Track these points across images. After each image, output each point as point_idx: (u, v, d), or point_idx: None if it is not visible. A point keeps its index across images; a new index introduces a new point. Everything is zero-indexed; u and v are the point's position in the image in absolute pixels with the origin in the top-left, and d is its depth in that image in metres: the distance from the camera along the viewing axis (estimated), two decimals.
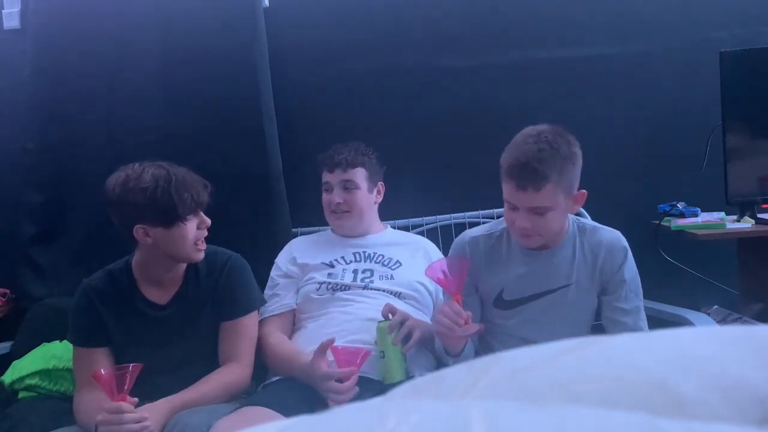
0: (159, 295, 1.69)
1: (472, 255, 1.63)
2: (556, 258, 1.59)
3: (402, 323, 1.68)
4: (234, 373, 1.64)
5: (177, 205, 1.57)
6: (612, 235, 1.61)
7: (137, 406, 1.45)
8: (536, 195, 1.42)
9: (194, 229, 1.63)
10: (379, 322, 1.68)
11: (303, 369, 1.64)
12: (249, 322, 1.72)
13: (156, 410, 1.47)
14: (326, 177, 1.95)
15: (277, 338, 1.80)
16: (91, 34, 2.28)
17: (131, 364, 1.42)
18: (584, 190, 1.52)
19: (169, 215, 1.58)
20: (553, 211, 1.46)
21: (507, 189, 1.47)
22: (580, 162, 1.49)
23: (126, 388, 1.41)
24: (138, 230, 1.60)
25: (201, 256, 1.67)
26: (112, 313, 1.66)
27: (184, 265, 1.71)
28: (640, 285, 1.61)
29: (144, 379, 1.69)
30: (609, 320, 1.60)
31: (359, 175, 1.93)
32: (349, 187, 1.92)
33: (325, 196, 1.96)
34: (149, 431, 1.41)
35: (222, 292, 1.70)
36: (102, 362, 1.60)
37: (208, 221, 1.65)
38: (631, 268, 1.60)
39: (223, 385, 1.61)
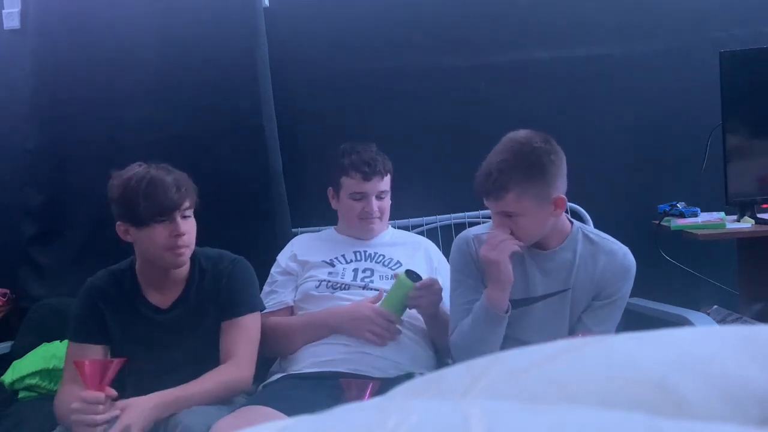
0: (161, 299, 1.68)
1: (475, 251, 1.63)
2: (556, 260, 1.59)
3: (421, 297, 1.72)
4: (231, 372, 1.60)
5: (140, 205, 1.54)
6: (620, 249, 1.60)
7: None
8: (497, 202, 1.47)
9: (164, 235, 1.58)
10: (404, 272, 1.71)
11: (347, 308, 1.74)
12: (250, 322, 1.69)
13: (140, 405, 1.43)
14: (360, 186, 1.87)
15: (284, 317, 1.83)
16: (91, 33, 2.28)
17: (116, 358, 1.42)
18: (563, 196, 1.51)
19: (134, 215, 1.57)
20: (523, 216, 1.48)
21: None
22: (552, 169, 1.48)
23: (106, 380, 1.39)
24: (119, 226, 1.61)
25: (179, 262, 1.63)
26: (114, 313, 1.66)
27: (186, 269, 1.69)
28: (623, 308, 1.61)
29: (146, 381, 1.68)
30: (579, 321, 1.60)
31: (389, 182, 1.92)
32: (383, 196, 1.91)
33: (353, 204, 1.89)
34: (127, 426, 1.38)
35: (225, 292, 1.68)
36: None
37: (182, 230, 1.59)
38: (627, 288, 1.60)
39: (219, 383, 1.57)
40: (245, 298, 1.70)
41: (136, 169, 1.60)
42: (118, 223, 1.61)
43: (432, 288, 1.71)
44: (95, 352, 1.63)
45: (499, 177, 1.44)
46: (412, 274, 1.71)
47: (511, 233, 1.51)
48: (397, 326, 1.72)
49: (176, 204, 1.58)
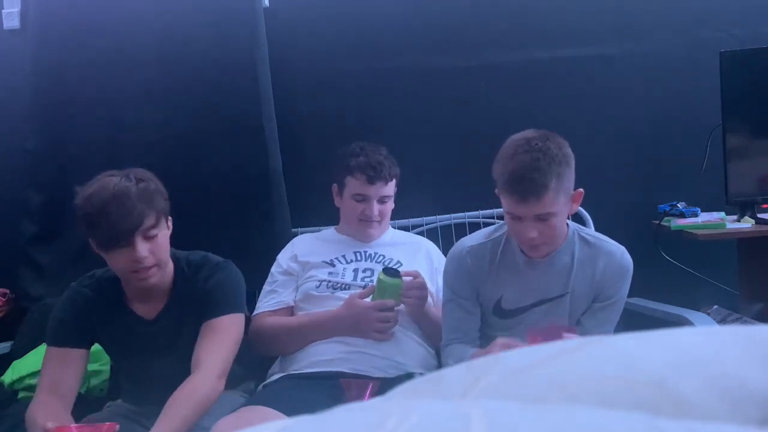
0: (147, 310, 1.64)
1: (471, 265, 1.61)
2: (554, 265, 1.57)
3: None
4: (196, 387, 1.48)
5: (95, 232, 1.49)
6: (617, 250, 1.59)
7: None
8: (538, 204, 1.42)
9: (122, 261, 1.51)
10: (382, 272, 1.71)
11: (340, 311, 1.73)
12: (229, 324, 1.59)
13: None
14: (363, 188, 1.87)
15: (283, 317, 1.83)
16: (91, 33, 2.28)
17: (106, 424, 1.34)
18: (581, 189, 1.52)
19: (93, 240, 1.51)
20: (556, 215, 1.46)
21: (508, 202, 1.46)
22: (573, 162, 1.48)
23: None
24: (91, 242, 1.55)
25: (144, 285, 1.56)
26: (101, 322, 1.63)
27: (169, 278, 1.63)
28: (621, 308, 1.61)
29: (141, 385, 1.67)
30: (579, 323, 1.60)
31: (393, 187, 1.92)
32: (386, 200, 1.91)
33: (355, 205, 1.89)
34: None
35: (206, 293, 1.61)
36: (75, 365, 1.57)
37: (140, 255, 1.48)
38: (625, 289, 1.59)
39: (189, 413, 1.44)
40: (225, 299, 1.62)
41: (102, 183, 1.51)
42: (90, 239, 1.55)
43: (415, 282, 1.74)
44: (77, 356, 1.58)
45: (538, 177, 1.40)
46: (389, 271, 1.71)
47: (539, 242, 1.49)
48: (395, 311, 1.73)
49: (131, 229, 1.47)
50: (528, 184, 1.41)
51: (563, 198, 1.46)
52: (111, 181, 1.51)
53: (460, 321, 1.62)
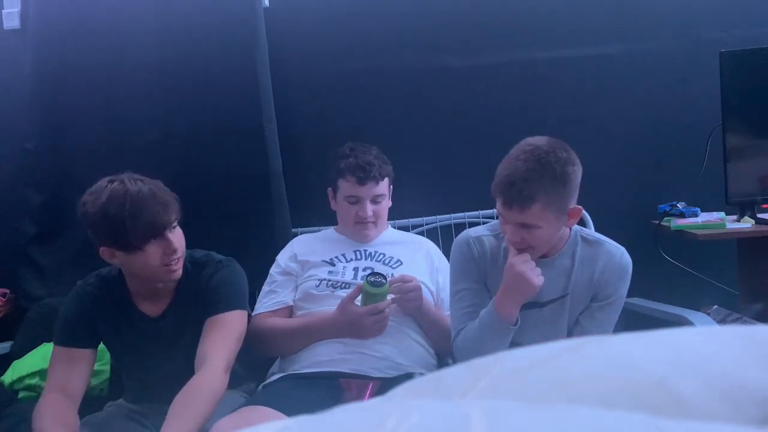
0: (152, 308, 1.65)
1: (478, 253, 1.61)
2: (554, 267, 1.57)
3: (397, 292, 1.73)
4: (204, 382, 1.47)
5: (128, 232, 1.46)
6: (617, 250, 1.58)
7: None
8: (521, 214, 1.41)
9: (158, 255, 1.53)
10: (366, 281, 1.69)
11: (334, 317, 1.72)
12: (233, 320, 1.59)
13: None
14: (355, 190, 1.87)
15: (281, 319, 1.82)
16: (91, 33, 2.28)
17: None
18: (579, 206, 1.49)
19: (122, 241, 1.48)
20: (541, 229, 1.44)
21: (497, 203, 1.47)
22: (575, 180, 1.45)
23: None
24: (104, 252, 1.54)
25: (174, 276, 1.58)
26: (106, 321, 1.64)
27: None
28: (620, 309, 1.60)
29: (143, 385, 1.67)
30: (577, 323, 1.59)
31: (386, 185, 1.92)
32: (380, 200, 1.91)
33: (349, 207, 1.90)
34: None
35: (210, 290, 1.62)
36: (82, 364, 1.57)
37: (175, 246, 1.53)
38: (624, 288, 1.58)
39: (204, 402, 1.44)
40: (229, 296, 1.62)
41: (110, 188, 1.50)
42: (102, 248, 1.53)
43: (404, 286, 1.73)
44: (83, 356, 1.59)
45: (526, 187, 1.38)
46: (375, 276, 1.70)
47: (522, 246, 1.48)
48: (386, 311, 1.72)
49: (165, 223, 1.51)
50: (514, 192, 1.40)
51: (552, 215, 1.43)
52: (122, 182, 1.51)
53: (472, 308, 1.59)
